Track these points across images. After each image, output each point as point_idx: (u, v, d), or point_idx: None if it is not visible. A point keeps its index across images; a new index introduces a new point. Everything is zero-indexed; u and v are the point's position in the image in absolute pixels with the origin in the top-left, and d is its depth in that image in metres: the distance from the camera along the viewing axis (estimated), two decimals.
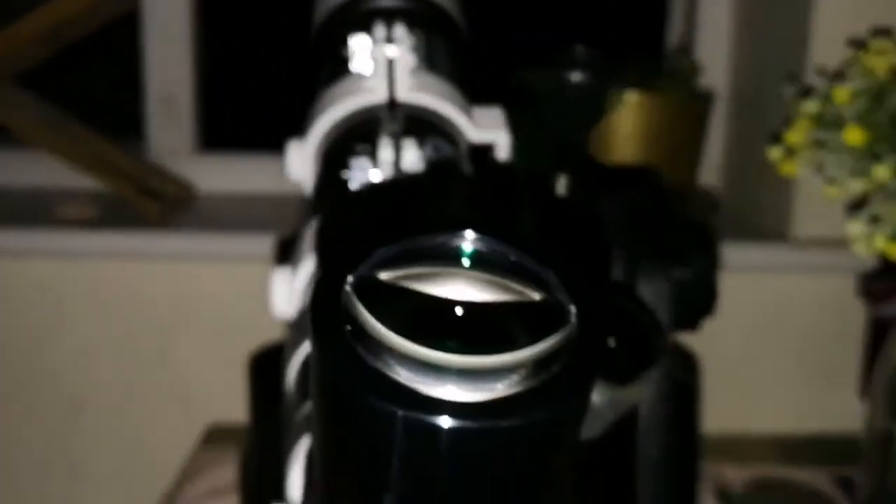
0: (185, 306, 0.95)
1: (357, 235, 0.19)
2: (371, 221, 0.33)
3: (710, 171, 1.09)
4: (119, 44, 1.14)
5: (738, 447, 0.93)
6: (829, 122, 0.57)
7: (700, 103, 0.98)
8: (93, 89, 1.23)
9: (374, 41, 0.45)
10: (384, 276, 0.19)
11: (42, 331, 0.95)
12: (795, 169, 0.61)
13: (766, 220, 1.00)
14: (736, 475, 0.87)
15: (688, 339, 0.96)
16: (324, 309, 0.19)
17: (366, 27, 0.53)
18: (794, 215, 0.94)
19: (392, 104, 0.46)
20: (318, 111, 0.48)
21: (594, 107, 0.39)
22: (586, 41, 1.12)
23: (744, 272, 0.97)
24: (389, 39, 0.46)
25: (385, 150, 0.40)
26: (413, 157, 0.39)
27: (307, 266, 0.39)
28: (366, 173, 0.40)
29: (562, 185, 0.41)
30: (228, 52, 1.22)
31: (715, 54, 1.08)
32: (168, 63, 1.10)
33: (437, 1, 0.55)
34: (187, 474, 0.78)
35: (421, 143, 0.43)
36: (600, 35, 1.16)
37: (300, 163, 0.48)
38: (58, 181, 1.03)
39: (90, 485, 0.98)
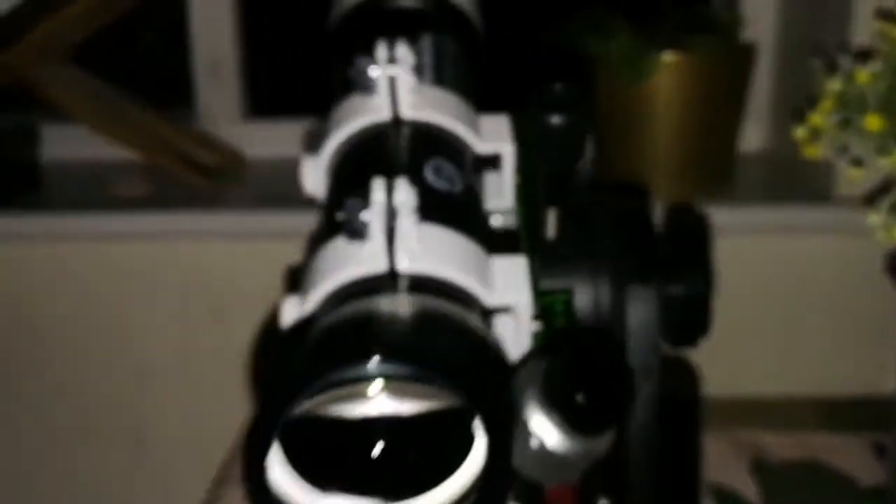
0: (240, 282, 0.99)
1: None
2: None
3: (756, 126, 1.08)
4: (165, 12, 1.16)
5: (778, 410, 0.94)
6: (852, 103, 0.56)
7: (741, 59, 0.96)
8: (143, 58, 1.26)
9: (378, 61, 0.46)
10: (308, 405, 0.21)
11: (101, 308, 1.00)
12: (819, 152, 0.60)
13: (811, 179, 0.99)
14: (773, 442, 0.88)
15: (731, 300, 0.97)
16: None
17: (370, 45, 0.54)
18: (838, 175, 0.92)
19: (396, 122, 0.47)
20: (328, 128, 0.49)
21: (575, 145, 0.39)
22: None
23: (787, 233, 0.96)
24: (392, 59, 0.47)
25: (377, 193, 0.41)
26: (404, 197, 0.40)
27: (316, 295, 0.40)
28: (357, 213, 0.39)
29: (551, 221, 0.41)
30: (273, 16, 1.23)
31: (760, 4, 1.05)
32: (213, 28, 1.12)
33: (453, 1, 0.56)
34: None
35: (419, 170, 0.44)
36: None
37: (314, 178, 0.50)
38: (111, 155, 1.07)
39: (156, 452, 1.04)
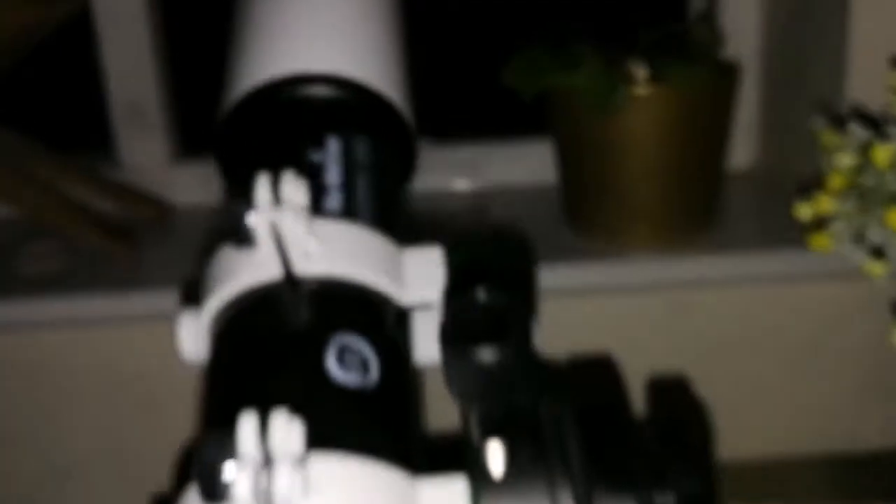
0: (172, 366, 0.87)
1: None
2: None
3: (743, 141, 0.97)
4: (74, 53, 1.03)
5: (785, 473, 0.85)
6: (870, 193, 0.45)
7: (724, 85, 0.85)
8: (54, 105, 1.13)
9: (257, 203, 0.35)
10: None
11: (14, 404, 0.88)
12: (828, 244, 0.49)
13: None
14: None
15: (725, 356, 0.87)
16: None
17: (264, 151, 0.42)
18: None
19: (290, 280, 0.36)
20: (208, 282, 0.38)
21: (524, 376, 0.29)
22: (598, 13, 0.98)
23: (780, 280, 0.86)
24: (277, 198, 0.36)
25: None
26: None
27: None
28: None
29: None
30: (196, 52, 1.10)
31: (741, 17, 0.94)
32: (130, 68, 0.99)
33: (373, 86, 0.44)
34: None
35: (318, 357, 0.34)
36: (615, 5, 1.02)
37: (193, 341, 0.39)
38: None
39: None
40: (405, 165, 0.47)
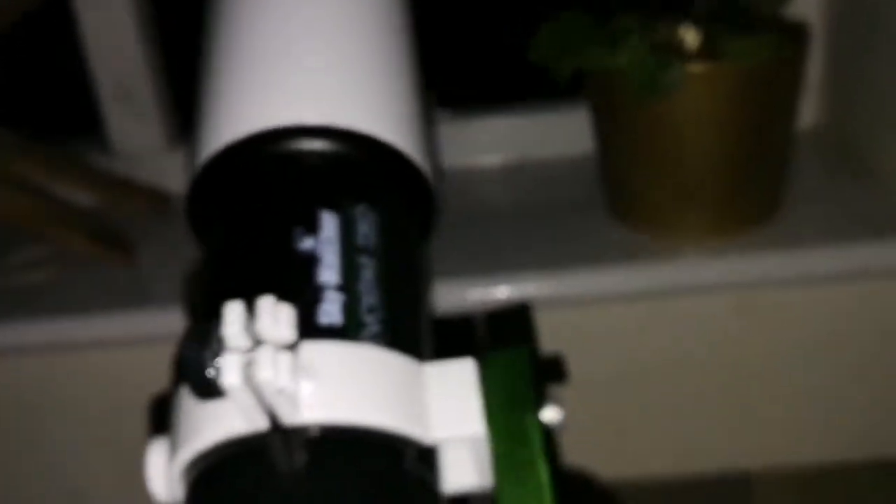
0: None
1: None
2: None
3: (806, 102, 0.86)
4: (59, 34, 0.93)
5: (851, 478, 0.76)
6: None
7: (791, 57, 0.73)
8: (39, 91, 1.03)
9: (224, 355, 0.26)
10: None
11: (14, 433, 0.81)
12: None
13: (876, 167, 0.78)
14: None
15: (789, 359, 0.78)
16: None
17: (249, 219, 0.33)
18: None
19: (277, 431, 0.27)
20: (177, 426, 0.30)
21: None
22: None
23: (854, 278, 0.76)
24: (251, 336, 0.26)
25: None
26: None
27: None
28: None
29: None
30: (189, 29, 0.99)
31: None
32: (117, 51, 0.89)
33: (387, 141, 0.35)
34: None
35: None
36: None
37: (166, 485, 0.30)
38: None
39: None
40: (426, 223, 0.38)
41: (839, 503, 0.85)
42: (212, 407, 0.28)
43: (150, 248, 0.85)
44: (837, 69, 0.88)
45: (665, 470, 0.84)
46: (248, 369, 0.26)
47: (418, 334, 0.32)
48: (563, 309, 0.76)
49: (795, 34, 0.74)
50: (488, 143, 0.95)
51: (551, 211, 0.85)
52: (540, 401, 0.30)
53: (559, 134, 0.94)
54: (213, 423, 0.28)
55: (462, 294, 0.74)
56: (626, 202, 0.80)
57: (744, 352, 0.78)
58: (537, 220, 0.83)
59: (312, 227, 0.32)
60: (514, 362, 0.30)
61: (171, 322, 0.75)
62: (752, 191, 0.76)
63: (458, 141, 0.93)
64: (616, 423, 0.81)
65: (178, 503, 0.31)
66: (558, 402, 0.30)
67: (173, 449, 0.30)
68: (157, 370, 0.79)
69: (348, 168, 0.34)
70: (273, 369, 0.26)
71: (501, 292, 0.74)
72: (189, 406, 0.29)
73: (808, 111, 0.89)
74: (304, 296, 0.30)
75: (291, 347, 0.27)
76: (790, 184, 0.79)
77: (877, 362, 0.79)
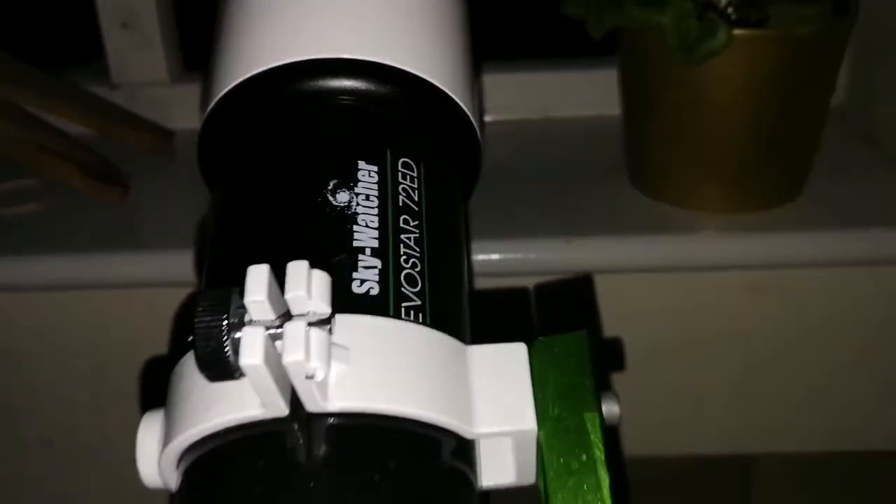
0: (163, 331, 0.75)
1: None
2: None
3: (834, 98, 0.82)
4: None
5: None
6: None
7: (837, 29, 0.69)
8: (41, 18, 0.98)
9: (245, 330, 0.22)
10: None
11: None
12: None
13: None
14: None
15: (811, 341, 0.76)
16: None
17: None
18: None
19: (299, 420, 0.24)
20: (174, 404, 0.26)
21: None
22: None
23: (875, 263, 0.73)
24: (282, 310, 0.23)
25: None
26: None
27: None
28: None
29: None
30: None
31: None
32: None
33: (435, 83, 0.30)
34: None
35: None
36: None
37: (157, 470, 0.27)
38: None
39: None
40: (469, 181, 0.34)
41: (856, 487, 0.84)
42: (222, 385, 0.24)
43: (146, 185, 0.81)
44: (865, 52, 0.84)
45: (666, 450, 0.81)
46: (271, 347, 0.22)
47: (462, 311, 0.28)
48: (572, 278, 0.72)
49: (843, 5, 0.70)
50: (510, 100, 0.91)
51: (571, 174, 0.81)
52: (599, 394, 0.26)
53: (584, 93, 0.90)
54: (221, 405, 0.24)
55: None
56: (648, 169, 0.76)
57: (755, 332, 0.76)
58: (555, 184, 0.79)
59: (349, 180, 0.28)
60: (572, 347, 0.27)
61: (163, 266, 0.72)
62: (779, 169, 0.73)
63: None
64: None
65: (168, 489, 0.28)
66: (616, 394, 0.27)
67: (170, 428, 0.26)
68: (145, 315, 0.76)
69: (392, 114, 0.30)
70: (304, 351, 0.22)
71: (513, 258, 0.71)
72: (194, 381, 0.25)
73: (836, 93, 0.85)
74: (336, 259, 0.26)
75: (325, 324, 0.23)
76: (815, 166, 0.76)
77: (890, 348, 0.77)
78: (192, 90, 0.89)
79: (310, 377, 0.22)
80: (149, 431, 0.27)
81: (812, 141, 0.74)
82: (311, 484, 0.23)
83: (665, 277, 0.73)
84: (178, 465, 0.26)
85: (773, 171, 0.73)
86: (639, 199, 0.76)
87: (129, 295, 0.75)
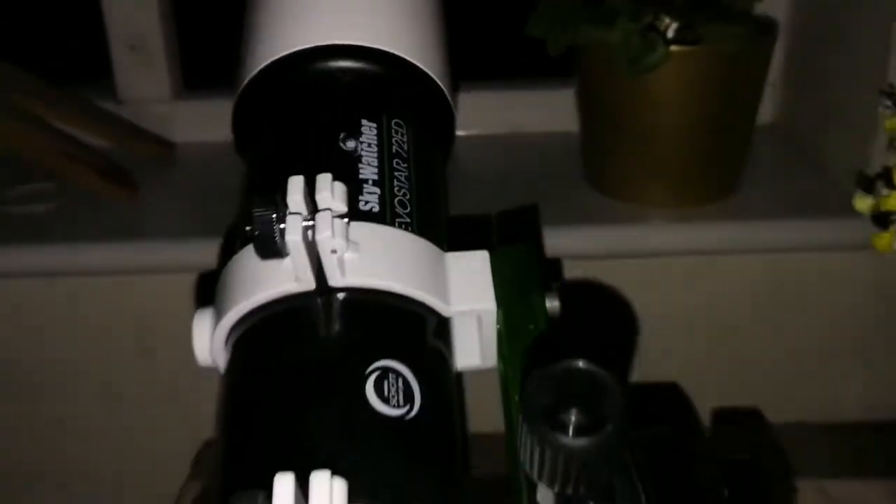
0: (168, 312, 0.83)
1: None
2: None
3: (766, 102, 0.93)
4: None
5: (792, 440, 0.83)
6: None
7: (761, 46, 0.80)
8: (52, 38, 1.07)
9: (289, 216, 0.31)
10: None
11: (8, 352, 0.85)
12: (890, 244, 0.46)
13: (828, 167, 0.85)
14: None
15: (740, 323, 0.85)
16: None
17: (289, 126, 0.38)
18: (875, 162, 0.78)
19: (322, 293, 0.33)
20: (227, 287, 0.34)
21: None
22: None
23: (801, 250, 0.83)
24: (312, 205, 0.32)
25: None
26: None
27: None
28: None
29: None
30: None
31: None
32: (131, 2, 0.94)
33: (410, 60, 0.40)
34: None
35: (357, 386, 0.30)
36: None
37: (209, 348, 0.35)
38: None
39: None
40: (446, 144, 0.43)
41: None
42: (263, 271, 0.33)
43: (151, 190, 0.89)
44: (795, 71, 0.94)
45: None
46: (306, 234, 0.31)
47: (441, 228, 0.37)
48: None
49: (765, 27, 0.81)
50: (477, 116, 1.00)
51: (536, 179, 0.91)
52: (543, 288, 0.36)
53: (546, 111, 0.99)
54: (262, 285, 0.33)
55: None
56: (602, 171, 0.86)
57: (696, 313, 0.85)
58: (521, 186, 0.89)
59: (355, 132, 0.37)
60: (524, 254, 0.36)
61: (164, 255, 0.80)
62: (714, 168, 0.83)
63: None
64: None
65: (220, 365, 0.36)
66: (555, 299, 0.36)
67: (221, 309, 0.34)
68: (149, 299, 0.84)
69: (385, 87, 0.39)
70: (330, 230, 0.31)
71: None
72: (240, 273, 0.34)
73: (767, 109, 0.96)
74: (347, 188, 0.35)
75: (343, 217, 0.32)
76: (748, 171, 0.86)
77: (819, 326, 0.87)
78: (192, 106, 0.98)
79: (333, 252, 0.31)
80: (202, 319, 0.36)
81: (743, 144, 0.84)
82: (325, 342, 0.32)
83: (618, 264, 0.83)
84: (226, 343, 0.35)
85: (708, 171, 0.83)
86: (593, 197, 0.85)
87: (132, 280, 0.83)
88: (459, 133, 0.98)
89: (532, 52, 0.85)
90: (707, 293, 0.85)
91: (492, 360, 0.37)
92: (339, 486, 0.26)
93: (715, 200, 0.84)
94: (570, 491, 0.23)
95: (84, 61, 1.03)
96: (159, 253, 0.80)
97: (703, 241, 0.81)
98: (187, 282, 0.79)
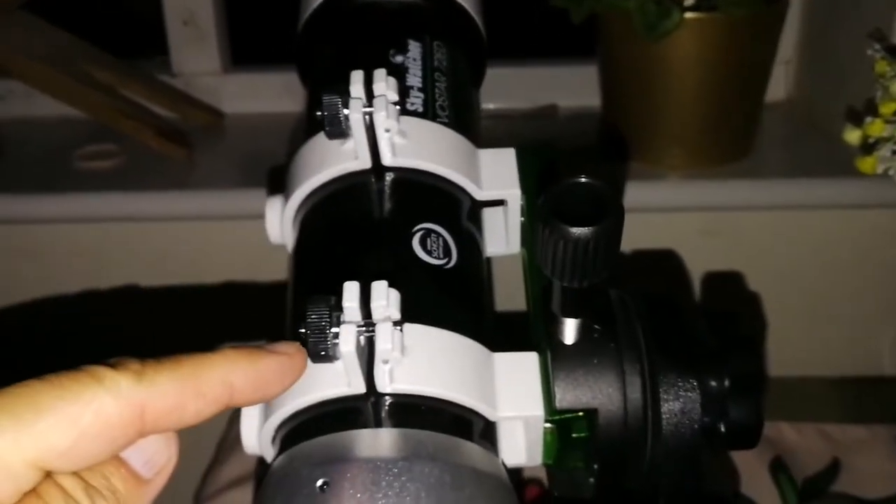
0: (222, 261, 0.91)
1: None
2: None
3: (779, 72, 0.98)
4: None
5: (799, 393, 0.88)
6: None
7: (774, 16, 0.85)
8: (109, 5, 1.15)
9: (351, 96, 0.38)
10: None
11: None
12: (874, 166, 0.51)
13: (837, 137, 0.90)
14: (795, 439, 0.82)
15: (753, 279, 0.91)
16: None
17: (346, 55, 0.45)
18: None
19: (377, 171, 0.39)
20: (295, 171, 0.41)
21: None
22: None
23: (810, 209, 0.88)
24: (370, 94, 0.38)
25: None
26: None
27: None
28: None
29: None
30: None
31: None
32: None
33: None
34: (220, 458, 0.76)
35: (406, 240, 0.37)
36: None
37: (280, 228, 0.42)
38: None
39: None
40: (477, 71, 0.50)
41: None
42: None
43: (203, 154, 0.97)
44: (809, 48, 1.00)
45: None
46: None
47: (475, 132, 0.44)
48: None
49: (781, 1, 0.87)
50: (499, 91, 1.06)
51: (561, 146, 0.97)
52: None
53: (569, 87, 1.05)
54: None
55: None
56: (620, 134, 0.92)
57: (710, 268, 0.91)
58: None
59: (402, 48, 0.44)
60: (547, 151, 0.42)
61: (216, 204, 0.88)
62: (727, 131, 0.89)
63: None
64: None
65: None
66: None
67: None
68: (204, 246, 0.91)
69: (430, 15, 0.46)
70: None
71: None
72: (312, 167, 0.40)
73: (781, 85, 1.01)
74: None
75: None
76: (761, 139, 0.92)
77: (829, 281, 0.92)
78: (240, 79, 1.05)
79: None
80: (273, 203, 0.42)
81: (755, 108, 0.90)
82: (383, 208, 0.38)
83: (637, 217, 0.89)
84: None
85: (721, 134, 0.89)
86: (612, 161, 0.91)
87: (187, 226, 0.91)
88: (490, 107, 1.06)
89: (553, 30, 0.91)
90: (715, 251, 0.91)
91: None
92: (395, 294, 0.32)
93: (725, 163, 0.89)
94: (576, 284, 0.29)
95: (145, 40, 1.11)
96: (209, 201, 0.88)
97: (717, 197, 0.87)
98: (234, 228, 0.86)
